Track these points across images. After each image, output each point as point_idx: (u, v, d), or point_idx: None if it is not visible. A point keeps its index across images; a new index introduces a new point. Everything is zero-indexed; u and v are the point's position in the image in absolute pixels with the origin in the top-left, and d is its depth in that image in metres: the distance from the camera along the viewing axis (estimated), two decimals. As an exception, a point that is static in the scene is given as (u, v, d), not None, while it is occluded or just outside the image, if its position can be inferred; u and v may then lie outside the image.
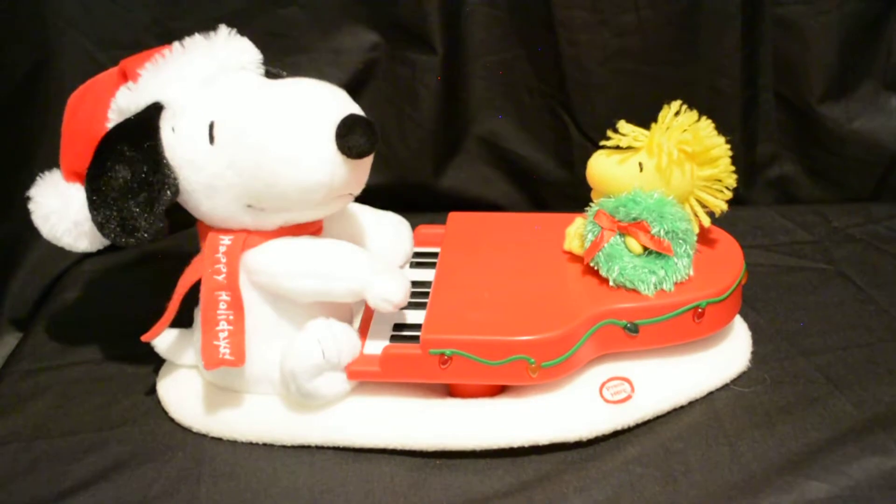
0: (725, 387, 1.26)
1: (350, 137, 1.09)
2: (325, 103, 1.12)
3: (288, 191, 1.12)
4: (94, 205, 1.15)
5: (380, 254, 1.31)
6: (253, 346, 1.17)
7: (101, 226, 1.15)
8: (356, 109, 1.13)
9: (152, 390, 1.29)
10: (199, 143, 1.13)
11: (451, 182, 1.75)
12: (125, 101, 1.17)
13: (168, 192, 1.13)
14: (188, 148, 1.14)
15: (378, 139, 1.11)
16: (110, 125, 1.18)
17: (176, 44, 1.18)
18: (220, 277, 1.16)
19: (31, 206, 1.23)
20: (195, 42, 1.19)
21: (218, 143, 1.13)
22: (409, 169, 1.69)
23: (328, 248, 1.18)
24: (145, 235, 1.14)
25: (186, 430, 1.23)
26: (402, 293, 1.16)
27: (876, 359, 1.31)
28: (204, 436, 1.22)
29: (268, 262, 1.17)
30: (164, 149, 1.14)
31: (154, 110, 1.15)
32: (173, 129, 1.14)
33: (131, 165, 1.13)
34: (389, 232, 1.35)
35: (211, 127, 1.13)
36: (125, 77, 1.18)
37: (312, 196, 1.13)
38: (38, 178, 1.24)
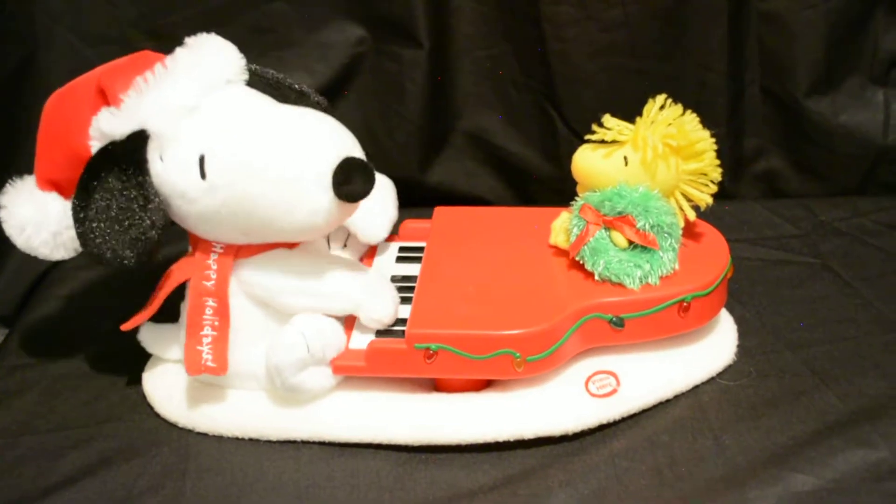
0: (711, 380, 1.27)
1: (347, 186, 1.08)
2: (319, 147, 1.09)
3: (284, 231, 1.12)
4: (81, 235, 1.13)
5: (364, 223, 1.32)
6: (239, 342, 1.17)
7: (88, 251, 1.13)
8: (351, 148, 1.12)
9: (138, 386, 1.29)
10: (189, 177, 1.11)
11: (437, 177, 1.75)
12: (108, 127, 1.12)
13: (157, 230, 1.11)
14: (178, 180, 1.12)
15: (374, 180, 1.10)
16: (92, 144, 1.14)
17: (158, 66, 1.15)
18: (209, 284, 1.16)
19: (4, 214, 1.20)
20: (178, 61, 1.15)
21: (210, 181, 1.10)
22: (395, 164, 1.69)
23: (323, 267, 1.19)
24: (133, 262, 1.12)
25: (172, 426, 1.23)
26: (392, 313, 1.19)
27: (862, 352, 1.31)
28: (189, 431, 1.22)
29: (262, 276, 1.17)
30: (152, 178, 1.12)
31: (140, 139, 1.11)
32: (161, 159, 1.12)
33: (119, 200, 1.11)
34: (373, 198, 1.34)
35: (201, 161, 1.11)
36: (104, 95, 1.15)
37: (307, 234, 1.15)
38: (8, 184, 1.22)
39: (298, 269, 1.17)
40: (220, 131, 1.12)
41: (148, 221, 1.11)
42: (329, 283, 1.17)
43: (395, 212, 1.38)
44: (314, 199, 1.08)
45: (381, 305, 1.19)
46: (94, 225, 1.12)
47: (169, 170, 1.12)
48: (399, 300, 1.21)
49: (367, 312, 1.18)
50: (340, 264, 1.20)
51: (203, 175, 1.11)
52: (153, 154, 1.12)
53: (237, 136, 1.11)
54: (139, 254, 1.11)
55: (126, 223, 1.11)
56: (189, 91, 1.13)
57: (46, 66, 1.54)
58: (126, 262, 1.12)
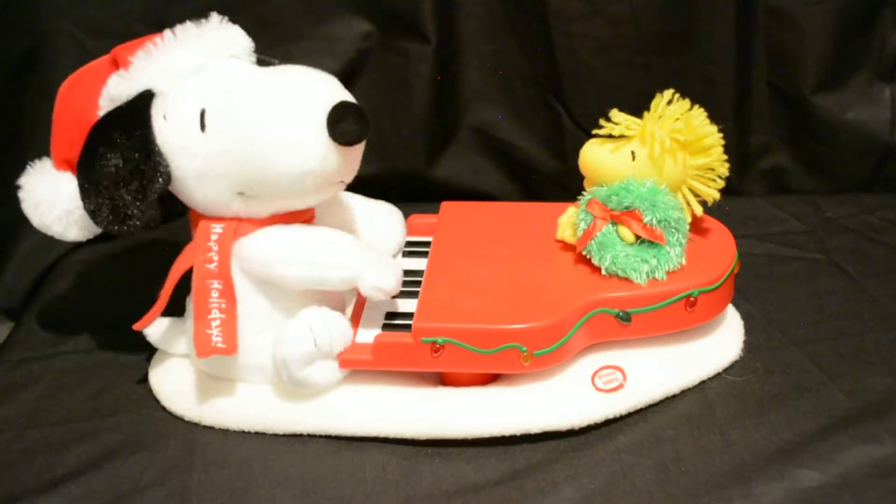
0: (717, 376, 1.27)
1: (341, 125, 1.08)
2: (315, 90, 1.12)
3: (279, 178, 1.12)
4: (85, 193, 1.15)
5: (371, 243, 1.31)
6: (245, 334, 1.17)
7: (93, 213, 1.15)
8: (347, 96, 1.13)
9: (144, 379, 1.29)
10: (190, 131, 1.13)
11: (443, 172, 1.75)
12: (116, 89, 1.17)
13: (160, 180, 1.13)
14: (180, 135, 1.14)
15: (369, 126, 1.10)
16: (102, 113, 1.18)
17: (167, 32, 1.18)
18: (212, 266, 1.16)
19: (22, 194, 1.23)
20: (187, 30, 1.18)
21: (209, 131, 1.13)
22: (401, 159, 1.69)
23: (321, 236, 1.18)
24: (137, 223, 1.14)
25: (178, 419, 1.23)
26: (394, 281, 1.17)
27: (868, 348, 1.31)
28: (196, 424, 1.22)
29: (260, 250, 1.17)
30: (155, 136, 1.14)
31: (145, 98, 1.15)
32: (165, 117, 1.14)
33: (123, 153, 1.13)
34: (381, 221, 1.35)
35: (202, 114, 1.13)
36: (116, 65, 1.18)
37: (304, 183, 1.13)
38: (28, 167, 1.24)
39: (294, 238, 1.17)
40: (223, 86, 1.14)
41: (151, 178, 1.13)
42: (327, 251, 1.17)
43: (402, 237, 1.38)
44: (308, 139, 1.09)
45: (381, 274, 1.16)
46: (99, 179, 1.14)
47: (171, 126, 1.14)
48: (402, 274, 1.20)
49: (366, 281, 1.16)
50: (338, 234, 1.19)
51: (203, 127, 1.13)
52: (157, 113, 1.15)
53: (237, 88, 1.13)
54: (143, 213, 1.13)
55: (130, 179, 1.13)
56: (196, 54, 1.16)
57: (51, 60, 1.54)
58: (130, 221, 1.13)
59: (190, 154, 1.14)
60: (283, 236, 1.17)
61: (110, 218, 1.14)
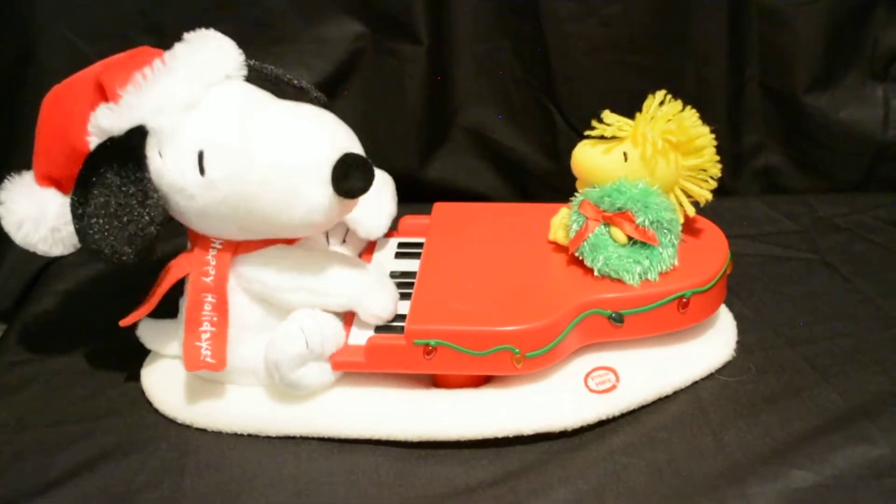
0: (710, 376, 1.27)
1: (346, 182, 1.08)
2: (318, 144, 1.09)
3: (283, 228, 1.12)
4: (80, 231, 1.13)
5: (362, 218, 1.32)
6: (238, 338, 1.17)
7: (87, 247, 1.12)
8: (350, 144, 1.11)
9: (137, 381, 1.28)
10: (188, 173, 1.11)
11: (436, 173, 1.75)
12: (107, 122, 1.13)
13: (156, 226, 1.11)
14: (177, 177, 1.12)
15: (373, 176, 1.10)
16: (90, 140, 1.14)
17: (156, 61, 1.15)
18: (208, 280, 1.16)
19: (2, 210, 1.20)
20: (177, 56, 1.15)
21: (209, 177, 1.10)
22: (394, 159, 1.69)
23: (323, 263, 1.19)
24: (132, 258, 1.12)
25: (171, 421, 1.23)
26: (392, 308, 1.20)
27: (861, 348, 1.31)
28: (188, 427, 1.22)
29: (261, 272, 1.17)
30: (151, 175, 1.12)
31: (139, 135, 1.11)
32: (160, 154, 1.12)
33: (118, 196, 1.11)
34: (372, 194, 1.34)
35: (200, 157, 1.11)
36: (102, 91, 1.15)
37: (307, 232, 1.16)
38: (6, 180, 1.21)
39: (297, 265, 1.17)
40: (218, 127, 1.11)
41: (147, 217, 1.11)
42: (328, 279, 1.17)
43: (394, 207, 1.38)
44: (313, 195, 1.08)
45: (380, 302, 1.19)
46: (93, 221, 1.11)
47: (168, 166, 1.12)
48: (398, 296, 1.21)
49: (366, 309, 1.18)
50: (339, 261, 1.20)
51: (202, 171, 1.10)
52: (152, 150, 1.12)
53: (236, 132, 1.10)
54: (138, 250, 1.11)
55: (125, 219, 1.11)
56: (188, 87, 1.13)
57: (44, 63, 1.54)
58: (125, 257, 1.11)
59: (188, 195, 1.12)
60: (284, 262, 1.18)
61: (107, 254, 1.11)
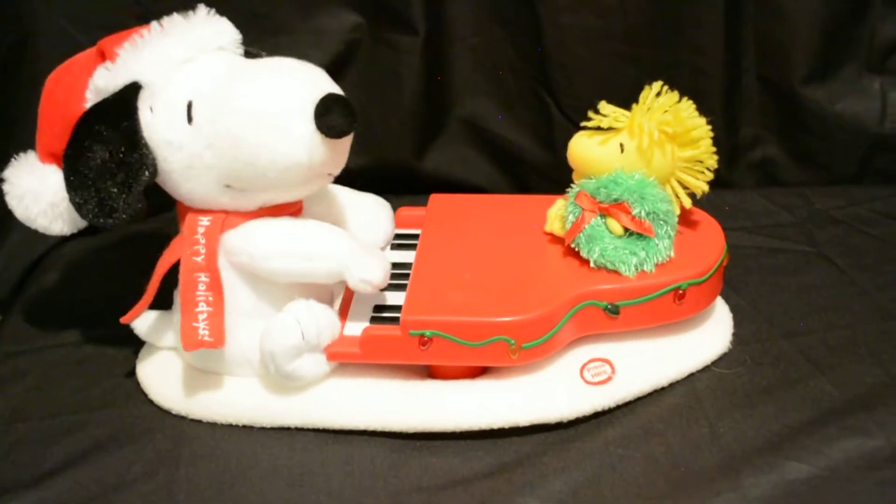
0: (706, 368, 1.27)
1: (328, 117, 1.08)
2: (303, 82, 1.11)
3: (267, 171, 1.11)
4: (71, 185, 1.14)
5: (359, 236, 1.31)
6: (233, 327, 1.17)
7: (78, 206, 1.14)
8: (335, 88, 1.13)
9: (132, 373, 1.28)
10: (177, 124, 1.13)
11: (432, 164, 1.74)
12: (103, 81, 1.16)
13: (146, 173, 1.13)
14: (166, 128, 1.13)
15: (357, 119, 1.10)
16: (88, 105, 1.17)
17: (154, 23, 1.17)
18: (199, 259, 1.16)
19: (6, 186, 1.22)
20: (174, 22, 1.18)
21: (196, 124, 1.12)
22: (390, 151, 1.69)
23: (308, 228, 1.18)
24: (123, 216, 1.13)
25: (166, 413, 1.23)
26: (381, 274, 1.17)
27: (857, 340, 1.31)
28: (183, 418, 1.22)
29: (247, 243, 1.16)
30: (142, 129, 1.13)
31: (132, 90, 1.14)
32: (151, 109, 1.14)
33: (109, 145, 1.13)
34: (369, 213, 1.35)
35: (189, 107, 1.13)
36: (103, 57, 1.17)
37: (291, 176, 1.13)
38: (13, 159, 1.24)
39: (282, 231, 1.17)
40: (208, 78, 1.14)
41: (137, 167, 1.13)
42: (313, 243, 1.17)
43: (391, 228, 1.38)
44: (296, 131, 1.09)
45: (368, 266, 1.16)
46: (84, 171, 1.13)
47: (158, 119, 1.14)
48: (389, 266, 1.19)
49: (353, 274, 1.16)
50: (325, 226, 1.19)
51: (190, 119, 1.13)
52: (144, 105, 1.14)
53: (224, 80, 1.13)
54: (127, 204, 1.12)
55: (116, 172, 1.13)
56: (183, 47, 1.15)
57: (39, 52, 1.54)
58: (115, 213, 1.13)
59: (176, 146, 1.13)
60: (270, 229, 1.17)
61: (96, 211, 1.13)
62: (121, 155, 1.13)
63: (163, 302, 1.23)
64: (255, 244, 1.16)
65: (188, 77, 1.14)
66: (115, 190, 1.13)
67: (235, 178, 1.14)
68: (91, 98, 1.17)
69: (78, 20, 1.55)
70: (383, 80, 1.67)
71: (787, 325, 1.34)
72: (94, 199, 1.13)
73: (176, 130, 1.13)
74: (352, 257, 1.16)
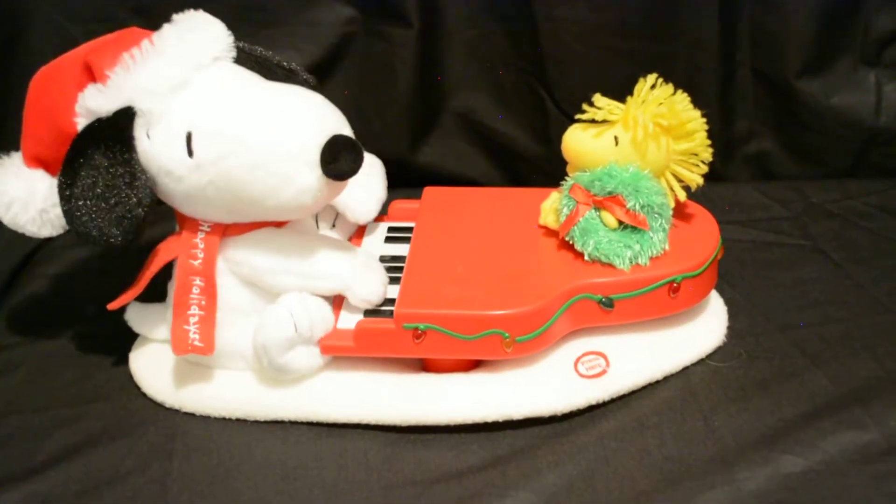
0: (701, 362, 1.27)
1: (336, 164, 1.08)
2: (308, 126, 1.09)
3: (271, 211, 1.12)
4: (67, 213, 1.12)
5: (352, 207, 1.32)
6: (226, 322, 1.17)
7: (74, 229, 1.12)
8: (340, 126, 1.11)
9: (125, 366, 1.28)
10: (176, 155, 1.11)
11: (426, 157, 1.74)
12: (94, 103, 1.12)
13: (144, 207, 1.10)
14: (165, 158, 1.11)
15: (363, 158, 1.10)
16: (78, 121, 1.14)
17: (145, 42, 1.14)
18: (196, 263, 1.16)
19: None
20: (165, 38, 1.15)
21: (197, 160, 1.10)
22: (384, 144, 1.68)
23: (311, 247, 1.18)
24: (119, 240, 1.11)
25: (159, 406, 1.23)
26: (380, 293, 1.19)
27: (852, 334, 1.31)
28: (176, 411, 1.22)
29: (249, 256, 1.17)
30: (139, 157, 1.11)
31: (127, 116, 1.11)
32: (148, 136, 1.11)
33: (105, 177, 1.11)
34: (360, 186, 1.33)
35: (188, 138, 1.10)
36: (90, 71, 1.14)
37: (295, 215, 1.15)
38: (1, 157, 1.22)
39: (286, 248, 1.17)
40: (207, 109, 1.11)
41: (134, 199, 1.10)
42: (317, 263, 1.17)
43: (384, 192, 1.38)
44: (302, 177, 1.08)
45: (369, 286, 1.18)
46: (81, 203, 1.11)
47: (156, 147, 1.11)
48: (388, 280, 1.20)
49: (355, 293, 1.18)
50: (328, 244, 1.20)
51: (190, 153, 1.10)
52: (140, 131, 1.11)
53: (224, 114, 1.10)
54: (125, 232, 1.11)
55: (112, 201, 1.11)
56: (176, 68, 1.12)
57: (32, 44, 1.53)
58: (112, 239, 1.11)
59: (176, 177, 1.12)
60: (272, 245, 1.17)
61: (94, 236, 1.11)
62: (118, 188, 1.11)
63: (156, 295, 1.23)
64: (257, 259, 1.17)
65: (186, 105, 1.11)
66: (114, 220, 1.10)
67: (237, 212, 1.14)
68: (82, 115, 1.14)
69: (71, 13, 1.54)
70: (377, 73, 1.66)
71: (781, 319, 1.34)
72: (89, 225, 1.11)
73: (175, 161, 1.11)
74: (353, 277, 1.18)
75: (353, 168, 1.09)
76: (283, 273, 1.16)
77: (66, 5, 1.54)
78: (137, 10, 1.53)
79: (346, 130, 1.10)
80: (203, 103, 1.11)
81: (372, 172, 1.37)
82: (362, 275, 1.18)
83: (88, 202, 1.11)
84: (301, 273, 1.17)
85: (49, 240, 1.53)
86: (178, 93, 1.12)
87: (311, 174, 1.08)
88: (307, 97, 1.12)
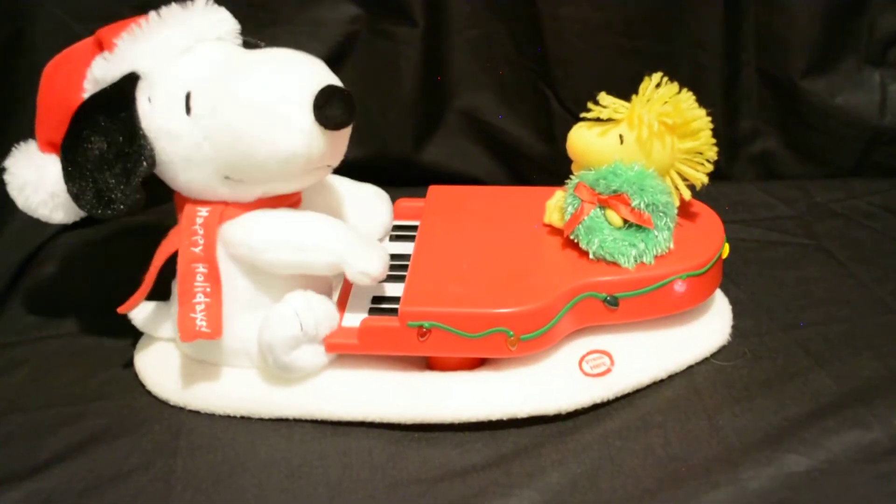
0: (705, 361, 1.27)
1: (327, 108, 1.08)
2: (301, 74, 1.11)
3: (265, 162, 1.11)
4: (69, 176, 1.14)
5: (358, 226, 1.31)
6: (231, 318, 1.17)
7: (76, 197, 1.14)
8: (333, 80, 1.12)
9: (129, 363, 1.28)
10: (175, 114, 1.13)
11: (431, 156, 1.74)
12: (101, 72, 1.16)
13: (144, 164, 1.12)
14: (164, 118, 1.13)
15: (355, 110, 1.10)
16: (86, 95, 1.17)
17: (153, 13, 1.17)
18: (197, 249, 1.15)
19: (6, 177, 1.22)
20: (172, 12, 1.17)
21: (194, 115, 1.12)
22: (389, 143, 1.69)
23: (307, 220, 1.18)
24: (121, 207, 1.13)
25: (163, 404, 1.22)
26: (380, 266, 1.16)
27: (856, 333, 1.31)
28: (181, 409, 1.21)
29: (246, 234, 1.16)
30: (140, 119, 1.13)
31: (130, 80, 1.14)
32: (149, 100, 1.13)
33: (107, 136, 1.13)
34: (368, 204, 1.35)
35: (187, 97, 1.12)
36: (101, 47, 1.17)
37: (290, 167, 1.13)
38: (13, 149, 1.23)
39: (280, 222, 1.17)
40: (206, 69, 1.13)
41: (135, 158, 1.12)
42: (312, 235, 1.16)
43: (390, 220, 1.38)
44: (294, 122, 1.09)
45: (367, 258, 1.16)
46: (82, 162, 1.13)
47: (157, 109, 1.13)
48: (388, 257, 1.19)
49: (352, 266, 1.15)
50: (324, 218, 1.19)
51: (188, 110, 1.12)
52: (142, 95, 1.14)
53: (222, 70, 1.12)
54: (126, 196, 1.12)
55: (114, 161, 1.13)
56: (181, 37, 1.15)
57: (35, 43, 1.53)
58: (113, 205, 1.13)
59: (174, 137, 1.13)
60: (269, 221, 1.17)
61: (94, 202, 1.13)
62: (119, 145, 1.13)
63: (161, 293, 1.23)
64: (254, 236, 1.16)
65: (186, 67, 1.14)
66: (113, 181, 1.12)
67: (234, 169, 1.13)
68: (89, 88, 1.17)
69: (75, 11, 1.54)
70: (382, 71, 1.67)
71: (786, 318, 1.34)
72: (91, 190, 1.13)
73: (174, 121, 1.13)
74: (351, 249, 1.15)
75: (344, 114, 1.09)
76: (279, 247, 1.15)
77: (70, 3, 1.54)
78: (142, 7, 1.52)
79: (340, 85, 1.12)
80: (203, 65, 1.14)
81: (377, 201, 1.37)
82: (359, 247, 1.16)
83: (90, 164, 1.13)
84: (297, 246, 1.16)
85: (52, 237, 1.53)
86: (181, 57, 1.15)
87: (303, 119, 1.08)
88: (302, 53, 1.15)
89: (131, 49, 1.15)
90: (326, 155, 1.13)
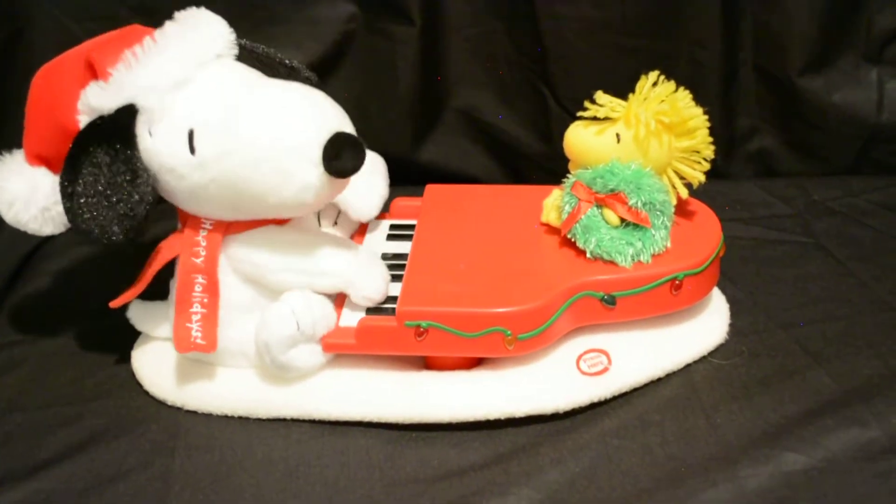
0: (703, 359, 1.27)
1: (338, 161, 1.07)
2: (309, 122, 1.09)
3: (273, 209, 1.12)
4: (69, 210, 1.12)
5: (354, 204, 1.32)
6: (229, 320, 1.17)
7: (75, 227, 1.12)
8: (341, 123, 1.11)
9: (127, 364, 1.28)
10: (179, 152, 1.10)
11: (429, 155, 1.74)
12: (97, 101, 1.12)
13: (146, 205, 1.10)
14: (168, 156, 1.11)
15: (364, 155, 1.10)
16: (80, 118, 1.14)
17: (147, 39, 1.14)
18: (199, 260, 1.15)
19: None
20: (167, 36, 1.14)
21: (199, 157, 1.10)
22: (387, 142, 1.68)
23: (312, 244, 1.18)
24: (121, 238, 1.11)
25: (161, 404, 1.23)
26: (382, 290, 1.19)
27: (854, 331, 1.31)
28: (179, 409, 1.22)
29: (251, 253, 1.17)
30: (141, 154, 1.11)
31: (129, 113, 1.11)
32: (150, 133, 1.11)
33: (107, 174, 1.10)
34: (362, 184, 1.33)
35: (190, 136, 1.10)
36: (92, 69, 1.14)
37: (298, 212, 1.15)
38: (2, 154, 1.21)
39: (288, 246, 1.17)
40: (209, 106, 1.11)
41: (136, 197, 1.10)
42: (318, 260, 1.17)
43: (386, 189, 1.38)
44: (304, 174, 1.08)
45: (371, 283, 1.18)
46: (82, 200, 1.11)
47: (158, 145, 1.11)
48: (390, 278, 1.20)
49: (357, 290, 1.18)
50: (330, 241, 1.19)
51: (192, 150, 1.10)
52: (142, 128, 1.11)
53: (227, 112, 1.10)
54: (127, 229, 1.10)
55: (114, 198, 1.10)
56: (179, 65, 1.12)
57: (33, 43, 1.53)
58: (114, 237, 1.11)
59: (179, 175, 1.11)
60: (275, 243, 1.17)
61: (96, 234, 1.11)
62: (120, 185, 1.10)
63: (160, 292, 1.23)
64: (259, 257, 1.16)
65: (188, 102, 1.11)
66: (115, 218, 1.10)
67: (239, 209, 1.14)
68: (84, 113, 1.14)
69: (73, 11, 1.54)
70: (379, 70, 1.66)
71: (784, 316, 1.34)
72: (91, 223, 1.11)
73: (178, 159, 1.11)
74: (356, 275, 1.18)
75: (355, 165, 1.09)
76: (285, 270, 1.16)
77: (67, 3, 1.54)
78: (139, 8, 1.53)
79: (348, 128, 1.10)
80: (205, 100, 1.11)
81: (374, 170, 1.36)
82: (364, 272, 1.18)
83: (90, 200, 1.11)
84: (302, 270, 1.17)
85: (51, 237, 1.52)
86: (181, 90, 1.11)
87: (313, 171, 1.08)
88: (309, 94, 1.12)
89: (128, 80, 1.11)
90: (334, 195, 1.15)
